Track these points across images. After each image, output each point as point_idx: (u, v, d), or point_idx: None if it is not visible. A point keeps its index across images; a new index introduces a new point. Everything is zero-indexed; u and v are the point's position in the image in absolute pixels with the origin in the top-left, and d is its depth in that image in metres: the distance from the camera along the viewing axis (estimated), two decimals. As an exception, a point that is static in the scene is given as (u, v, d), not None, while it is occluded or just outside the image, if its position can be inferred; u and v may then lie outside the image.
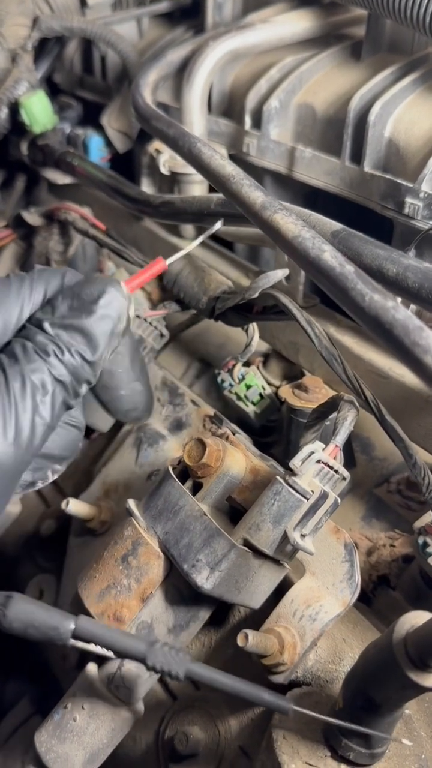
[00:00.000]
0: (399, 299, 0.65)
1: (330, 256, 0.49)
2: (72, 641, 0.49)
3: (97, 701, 0.57)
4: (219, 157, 0.65)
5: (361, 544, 0.73)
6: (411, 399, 0.72)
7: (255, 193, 0.58)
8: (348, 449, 0.80)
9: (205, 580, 0.54)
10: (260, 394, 0.84)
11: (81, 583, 0.60)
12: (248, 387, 0.84)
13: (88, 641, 0.50)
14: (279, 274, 0.74)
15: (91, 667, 0.59)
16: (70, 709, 0.58)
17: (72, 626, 0.49)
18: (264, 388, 0.84)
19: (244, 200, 0.59)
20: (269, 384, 0.86)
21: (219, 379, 0.86)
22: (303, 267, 0.52)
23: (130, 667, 0.58)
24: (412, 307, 0.71)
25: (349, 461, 0.80)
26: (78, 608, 0.64)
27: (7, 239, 1.15)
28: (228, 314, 0.77)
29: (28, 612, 0.49)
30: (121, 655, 0.50)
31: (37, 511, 0.93)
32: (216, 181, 0.64)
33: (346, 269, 0.48)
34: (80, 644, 0.50)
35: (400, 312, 0.44)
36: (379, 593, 0.70)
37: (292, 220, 0.54)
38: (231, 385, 0.85)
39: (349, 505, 0.77)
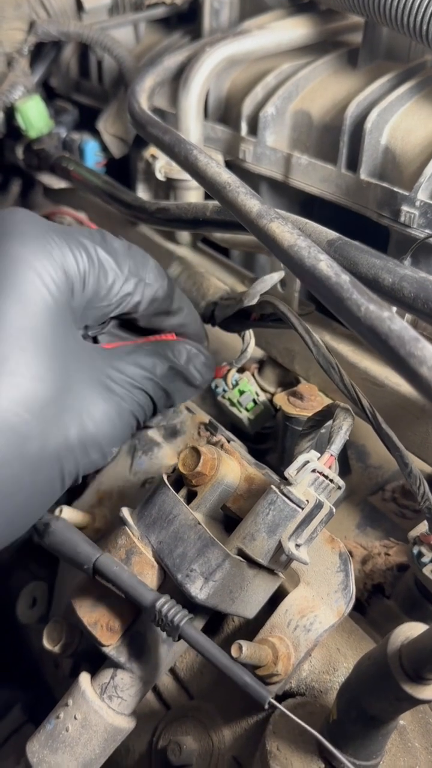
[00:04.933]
0: (394, 309, 0.65)
1: (325, 266, 0.49)
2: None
3: (89, 711, 0.57)
4: (215, 165, 0.65)
5: (355, 553, 0.73)
6: (406, 407, 0.72)
7: (251, 202, 0.58)
8: (343, 457, 0.80)
9: (198, 590, 0.54)
10: (254, 401, 0.84)
11: (74, 592, 0.60)
12: (241, 393, 0.84)
13: (106, 577, 0.56)
14: (275, 277, 0.74)
15: (84, 677, 0.59)
16: (62, 719, 0.57)
17: (95, 558, 0.56)
18: (258, 395, 0.84)
19: (240, 208, 0.58)
20: (264, 391, 0.86)
21: (213, 385, 0.85)
22: (299, 276, 0.52)
23: (123, 676, 0.58)
24: (408, 316, 0.71)
25: (344, 469, 0.80)
26: (72, 618, 0.64)
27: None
28: (226, 320, 0.77)
29: (65, 536, 0.58)
30: (129, 597, 0.55)
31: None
32: (212, 189, 0.63)
33: (342, 279, 0.48)
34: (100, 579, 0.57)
35: (395, 323, 0.44)
36: (373, 602, 0.70)
37: (287, 229, 0.53)
38: (224, 390, 0.85)
39: (344, 513, 0.77)
